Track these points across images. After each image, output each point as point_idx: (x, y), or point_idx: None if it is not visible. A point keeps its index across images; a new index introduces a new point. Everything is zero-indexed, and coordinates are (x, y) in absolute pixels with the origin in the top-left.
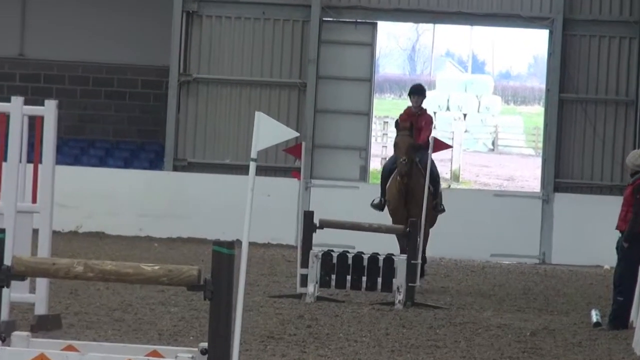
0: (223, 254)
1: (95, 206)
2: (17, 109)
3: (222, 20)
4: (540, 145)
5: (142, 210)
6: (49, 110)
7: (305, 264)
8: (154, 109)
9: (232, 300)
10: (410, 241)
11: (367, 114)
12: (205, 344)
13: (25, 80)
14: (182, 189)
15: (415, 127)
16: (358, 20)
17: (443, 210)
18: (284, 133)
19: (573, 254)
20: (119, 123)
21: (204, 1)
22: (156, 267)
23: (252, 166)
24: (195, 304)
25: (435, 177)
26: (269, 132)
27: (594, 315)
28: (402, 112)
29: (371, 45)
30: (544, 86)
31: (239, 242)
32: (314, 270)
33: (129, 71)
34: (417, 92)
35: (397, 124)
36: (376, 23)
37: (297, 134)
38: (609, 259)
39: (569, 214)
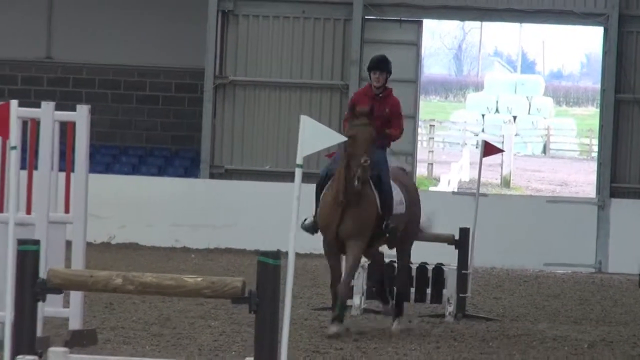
0: (269, 265)
1: (129, 216)
2: (48, 114)
3: (259, 19)
4: (595, 148)
5: (178, 220)
6: (81, 115)
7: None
8: (188, 114)
9: (277, 313)
10: (461, 249)
11: (414, 117)
12: (251, 359)
13: (54, 84)
14: (219, 197)
15: (376, 114)
16: (402, 19)
17: (394, 234)
18: (331, 138)
19: (631, 262)
20: (152, 129)
21: (240, 0)
22: (199, 279)
23: (298, 173)
24: (236, 317)
25: (387, 188)
26: (315, 136)
27: None
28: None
29: (416, 44)
30: (598, 86)
31: (281, 253)
32: (359, 281)
33: (162, 74)
34: (379, 66)
35: (352, 107)
36: (421, 21)
37: (345, 139)
38: None
39: (626, 220)
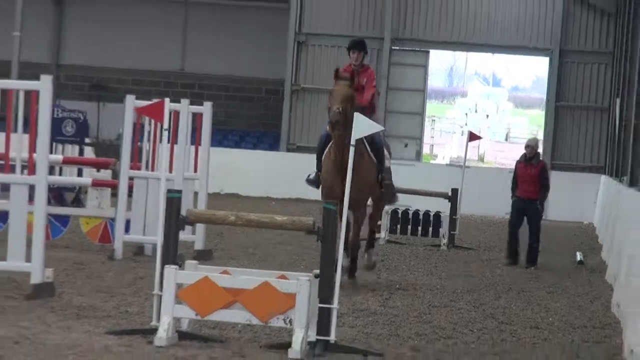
0: (331, 210)
1: (234, 175)
2: (184, 108)
3: (322, 47)
4: (541, 137)
5: (265, 178)
6: (206, 109)
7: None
8: (273, 108)
9: (335, 242)
10: (452, 202)
11: (421, 114)
12: (317, 271)
13: (184, 87)
14: (293, 164)
15: (355, 85)
16: (416, 49)
17: (392, 188)
18: (373, 127)
19: (560, 210)
20: (249, 118)
21: (310, 34)
22: (284, 218)
23: (351, 150)
24: (304, 244)
25: (378, 148)
26: (363, 126)
27: (578, 256)
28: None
29: (424, 66)
30: (544, 96)
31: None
32: (385, 222)
33: (255, 82)
34: (356, 46)
35: (337, 73)
36: (429, 51)
37: (383, 128)
38: (588, 217)
39: (562, 185)
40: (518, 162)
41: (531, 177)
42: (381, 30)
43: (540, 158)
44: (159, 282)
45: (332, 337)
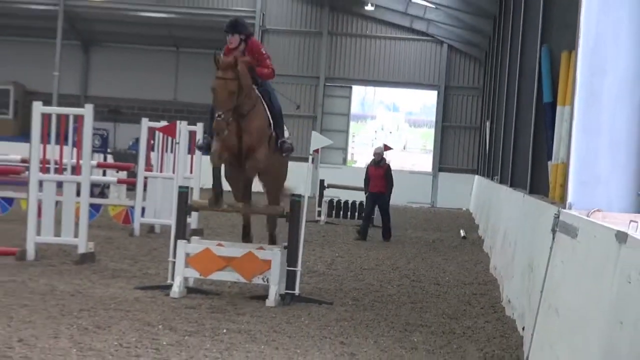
0: (296, 201)
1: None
2: (184, 128)
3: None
4: (431, 148)
5: None
6: (199, 128)
7: (319, 205)
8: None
9: (300, 224)
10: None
11: (346, 131)
12: (286, 244)
13: (177, 112)
14: None
15: (242, 62)
16: (342, 85)
17: (290, 146)
18: (325, 141)
19: (447, 201)
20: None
21: None
22: (262, 206)
23: (310, 159)
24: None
25: (277, 112)
26: (317, 141)
27: (462, 232)
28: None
29: (349, 97)
30: (432, 119)
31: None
32: (324, 209)
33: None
34: (229, 29)
35: (217, 60)
36: (351, 86)
37: (331, 142)
38: (465, 205)
39: (445, 182)
40: (369, 165)
41: (379, 176)
42: (318, 71)
43: (386, 162)
44: (172, 251)
45: (297, 291)
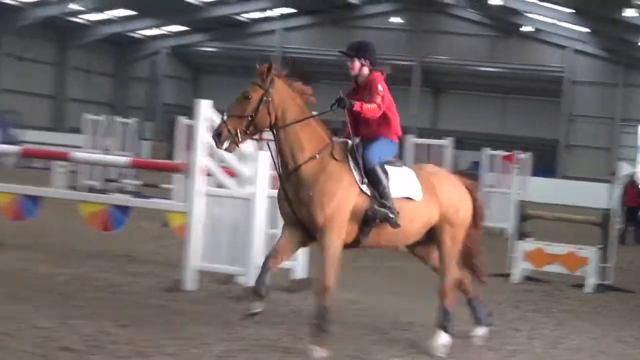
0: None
1: None
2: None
3: None
4: None
5: None
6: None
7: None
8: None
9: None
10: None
11: (634, 160)
12: (600, 246)
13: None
14: None
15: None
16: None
17: (395, 221)
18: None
19: None
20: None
21: None
22: None
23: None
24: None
25: (372, 171)
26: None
27: None
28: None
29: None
30: None
31: None
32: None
33: (523, 141)
34: (350, 51)
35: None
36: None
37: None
38: None
39: None
40: None
41: None
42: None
43: None
44: (511, 248)
45: (609, 281)
